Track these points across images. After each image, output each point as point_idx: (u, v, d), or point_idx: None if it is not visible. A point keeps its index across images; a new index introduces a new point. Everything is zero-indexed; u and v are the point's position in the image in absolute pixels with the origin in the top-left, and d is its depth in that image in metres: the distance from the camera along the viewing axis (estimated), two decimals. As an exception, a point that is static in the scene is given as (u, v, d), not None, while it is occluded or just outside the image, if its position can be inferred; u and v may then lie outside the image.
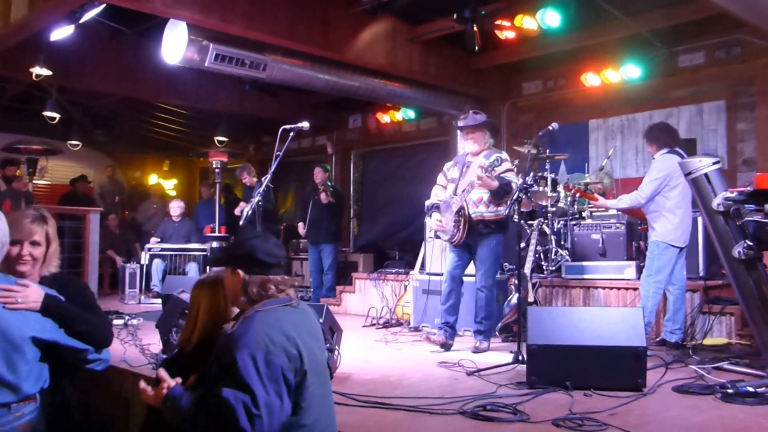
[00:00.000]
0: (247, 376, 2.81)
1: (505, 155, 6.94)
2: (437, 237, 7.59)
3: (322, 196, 10.52)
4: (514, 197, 6.50)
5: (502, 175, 6.74)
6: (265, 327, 2.96)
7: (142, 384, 3.18)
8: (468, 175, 6.80)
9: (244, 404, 2.78)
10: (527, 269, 7.43)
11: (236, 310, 3.33)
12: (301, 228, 10.88)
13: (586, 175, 9.55)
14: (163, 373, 3.11)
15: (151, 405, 3.14)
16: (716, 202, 5.29)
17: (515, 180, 6.80)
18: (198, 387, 3.12)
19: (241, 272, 3.17)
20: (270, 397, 2.83)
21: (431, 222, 7.30)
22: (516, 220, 7.82)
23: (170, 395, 3.01)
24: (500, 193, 6.71)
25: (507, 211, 6.80)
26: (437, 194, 7.25)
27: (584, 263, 8.17)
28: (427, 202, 7.32)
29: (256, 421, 2.79)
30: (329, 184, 10.79)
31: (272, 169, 6.89)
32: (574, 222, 8.52)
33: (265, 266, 3.17)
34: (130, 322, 8.19)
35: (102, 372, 3.59)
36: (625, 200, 7.01)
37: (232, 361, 2.85)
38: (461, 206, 6.81)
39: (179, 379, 3.12)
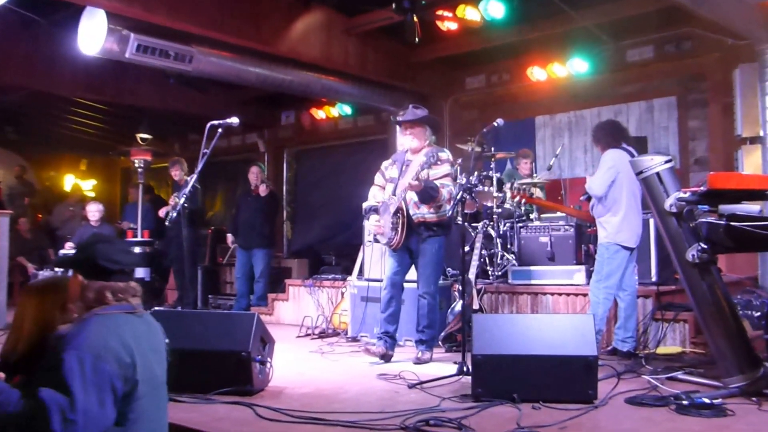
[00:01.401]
0: (70, 378, 2.81)
1: (446, 154, 6.88)
2: (376, 241, 7.56)
3: (262, 187, 10.38)
4: (458, 198, 6.49)
5: (438, 180, 6.71)
6: (102, 330, 2.98)
7: None
8: (408, 175, 6.74)
9: (60, 407, 2.78)
10: (472, 274, 7.41)
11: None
12: (230, 240, 10.79)
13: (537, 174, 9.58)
14: None
15: None
16: (668, 203, 5.32)
17: (450, 186, 6.78)
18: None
19: (80, 276, 3.19)
20: (89, 403, 2.83)
21: (369, 225, 7.25)
22: (459, 222, 7.81)
23: None
24: (425, 197, 6.65)
25: (450, 213, 6.80)
26: (375, 195, 7.19)
27: (532, 268, 8.18)
28: (365, 204, 7.25)
29: (69, 426, 2.78)
30: (266, 183, 10.69)
31: (199, 168, 6.81)
32: (521, 224, 8.52)
33: (105, 272, 3.19)
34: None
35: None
36: (588, 183, 6.93)
37: (59, 361, 2.85)
38: (399, 207, 6.77)
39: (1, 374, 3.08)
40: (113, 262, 3.20)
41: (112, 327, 3.02)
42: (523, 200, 8.22)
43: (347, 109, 13.32)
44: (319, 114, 13.77)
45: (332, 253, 11.91)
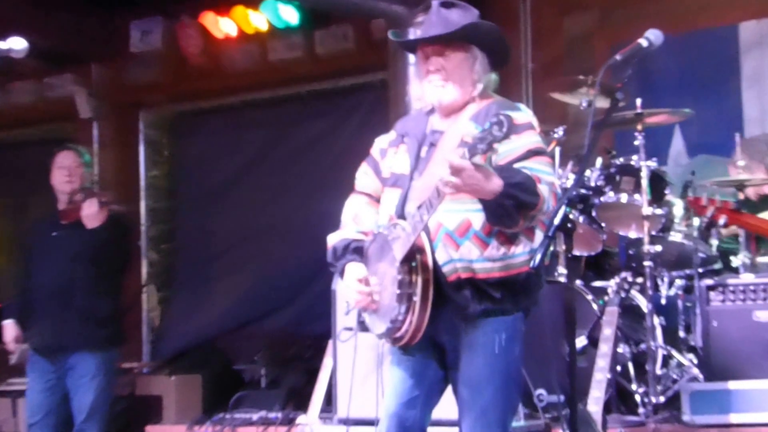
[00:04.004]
0: None
1: (524, 114, 6.78)
2: (363, 329, 7.58)
3: (88, 204, 10.38)
4: (557, 222, 6.40)
5: (518, 165, 6.60)
6: None
7: None
8: (433, 165, 6.73)
9: None
10: (595, 403, 7.47)
11: None
12: (12, 336, 10.86)
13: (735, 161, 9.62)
14: None
15: None
16: None
17: (551, 176, 6.74)
18: None
19: None
20: None
21: (348, 290, 7.23)
22: (561, 278, 7.86)
23: None
24: (507, 208, 6.37)
25: (538, 258, 6.73)
26: (358, 216, 7.16)
27: (736, 386, 8.21)
28: (333, 238, 7.19)
29: None
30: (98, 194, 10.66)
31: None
32: (710, 282, 8.56)
33: None
34: None
35: None
36: None
37: None
38: (417, 245, 6.66)
39: None
40: None
41: None
42: (724, 219, 8.27)
43: (289, 14, 13.41)
44: (223, 25, 13.86)
45: (260, 359, 11.98)
